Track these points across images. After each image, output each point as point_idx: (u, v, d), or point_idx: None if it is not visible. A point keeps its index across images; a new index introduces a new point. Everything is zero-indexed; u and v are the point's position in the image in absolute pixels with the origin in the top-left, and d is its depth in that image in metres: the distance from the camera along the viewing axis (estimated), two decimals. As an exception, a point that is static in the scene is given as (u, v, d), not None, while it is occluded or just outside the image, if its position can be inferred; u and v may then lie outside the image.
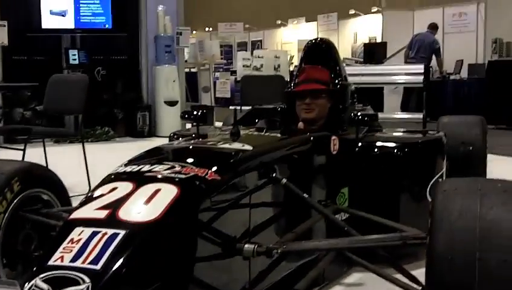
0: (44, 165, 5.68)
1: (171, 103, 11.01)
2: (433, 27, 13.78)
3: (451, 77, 14.31)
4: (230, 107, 17.05)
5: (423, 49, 13.38)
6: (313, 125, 3.65)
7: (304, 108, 3.67)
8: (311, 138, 3.23)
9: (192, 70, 16.08)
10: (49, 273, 1.83)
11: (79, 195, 5.04)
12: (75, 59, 10.17)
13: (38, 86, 8.38)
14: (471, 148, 4.52)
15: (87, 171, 5.91)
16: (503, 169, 6.76)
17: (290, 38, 21.76)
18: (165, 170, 2.32)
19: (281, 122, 3.75)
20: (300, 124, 3.69)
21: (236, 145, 2.71)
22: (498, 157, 7.92)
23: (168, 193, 2.15)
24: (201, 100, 13.03)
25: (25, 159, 5.24)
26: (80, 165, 5.98)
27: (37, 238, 3.01)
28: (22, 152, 5.55)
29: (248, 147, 2.68)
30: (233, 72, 19.13)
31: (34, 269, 1.88)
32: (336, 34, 20.03)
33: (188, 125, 8.44)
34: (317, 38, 4.48)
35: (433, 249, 2.07)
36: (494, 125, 11.34)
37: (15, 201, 2.86)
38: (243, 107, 7.64)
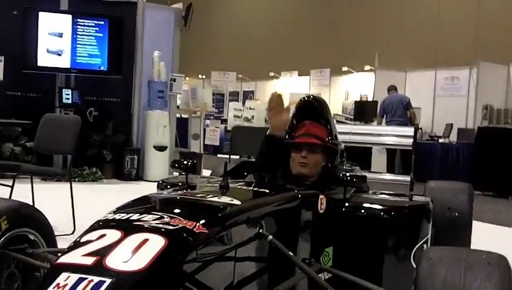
0: (31, 203, 5.70)
1: (160, 148, 11.03)
2: (393, 88, 14.29)
3: (440, 140, 14.43)
4: (219, 156, 17.19)
5: (399, 109, 13.57)
6: (305, 180, 3.68)
7: (300, 162, 3.69)
8: (299, 196, 3.25)
9: (183, 116, 16.17)
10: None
11: (63, 235, 5.05)
12: (68, 98, 10.19)
13: (29, 123, 8.40)
14: (456, 214, 4.54)
15: (73, 212, 5.91)
16: (487, 237, 6.80)
17: (282, 91, 21.89)
18: (154, 220, 2.33)
19: (269, 178, 3.76)
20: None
21: (225, 199, 2.72)
22: (483, 225, 7.97)
23: (156, 243, 2.15)
24: (190, 147, 13.06)
25: (12, 195, 5.25)
26: (65, 205, 5.97)
27: (21, 277, 3.00)
28: (9, 188, 5.53)
29: (236, 202, 2.69)
30: (224, 121, 19.24)
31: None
32: (327, 90, 20.25)
33: (176, 172, 8.46)
34: (311, 95, 4.51)
35: (416, 317, 2.09)
36: (481, 191, 11.41)
37: (1, 239, 2.86)
38: (231, 157, 7.67)
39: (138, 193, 2.85)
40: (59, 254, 2.22)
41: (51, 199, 6.88)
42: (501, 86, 15.34)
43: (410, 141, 5.88)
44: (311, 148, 3.71)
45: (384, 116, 13.96)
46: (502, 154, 12.13)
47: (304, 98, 4.44)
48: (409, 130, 6.16)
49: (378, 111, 14.22)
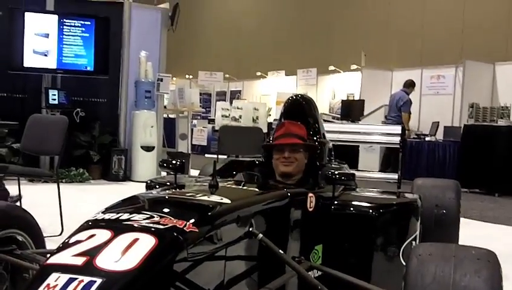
0: (18, 204, 5.68)
1: (148, 148, 11.01)
2: (407, 85, 13.97)
3: (427, 139, 14.48)
4: (206, 155, 17.18)
5: (393, 108, 13.62)
6: (290, 179, 3.69)
7: (283, 161, 3.70)
8: (288, 194, 3.26)
9: (171, 116, 16.13)
10: (24, 318, 1.82)
11: (51, 236, 5.03)
12: (54, 99, 10.14)
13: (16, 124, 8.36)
14: (444, 211, 4.56)
15: (60, 213, 5.88)
16: (475, 233, 6.85)
17: (269, 91, 21.95)
18: (144, 219, 2.32)
19: (258, 176, 3.77)
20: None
21: (215, 198, 2.72)
22: (470, 221, 8.01)
23: (146, 243, 2.15)
24: (178, 147, 13.03)
25: (-1, 197, 5.22)
26: (53, 206, 5.95)
27: (10, 279, 2.98)
28: (-5, 189, 5.52)
29: (226, 201, 2.69)
30: (211, 121, 19.23)
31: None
32: (314, 89, 20.27)
33: (163, 173, 8.45)
34: (298, 94, 4.52)
35: (406, 313, 2.10)
36: (468, 189, 11.48)
37: (-10, 241, 2.85)
38: (219, 156, 7.66)
39: (126, 193, 2.84)
40: (48, 255, 2.21)
41: (38, 200, 6.87)
42: (486, 84, 15.41)
43: (398, 139, 5.89)
44: (292, 148, 3.72)
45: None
46: (488, 152, 12.21)
47: (291, 97, 4.46)
48: (396, 129, 6.15)
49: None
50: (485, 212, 9.40)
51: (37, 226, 3.21)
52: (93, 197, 8.73)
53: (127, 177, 10.93)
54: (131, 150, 11.04)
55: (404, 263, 3.51)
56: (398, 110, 13.48)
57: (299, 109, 4.28)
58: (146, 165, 10.87)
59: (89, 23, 10.45)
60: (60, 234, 5.52)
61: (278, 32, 24.44)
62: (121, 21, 11.18)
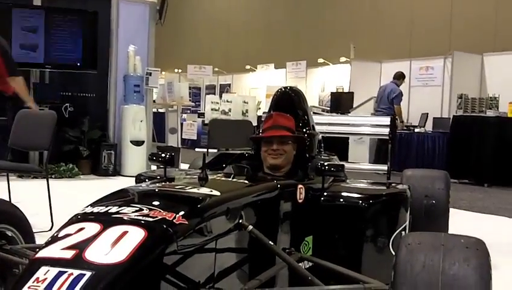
0: (8, 199, 5.65)
1: (137, 143, 10.98)
2: (398, 77, 13.95)
3: (416, 130, 14.52)
4: (196, 149, 17.16)
5: (384, 100, 13.60)
6: (278, 171, 3.69)
7: (271, 154, 3.70)
8: (278, 186, 3.26)
9: (160, 110, 16.09)
10: (14, 312, 1.82)
11: (41, 231, 5.01)
12: (43, 94, 10.11)
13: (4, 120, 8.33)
14: (434, 202, 4.58)
15: (50, 208, 5.86)
16: (464, 224, 6.88)
17: (259, 84, 21.93)
18: (133, 212, 2.32)
19: (248, 168, 3.77)
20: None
21: (205, 190, 2.72)
22: (459, 212, 8.04)
23: (135, 235, 2.15)
24: (168, 141, 13.02)
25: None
26: (43, 201, 5.94)
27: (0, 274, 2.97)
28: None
29: (216, 193, 2.69)
30: (201, 115, 19.21)
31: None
32: (304, 82, 20.26)
33: (153, 167, 8.44)
34: (287, 87, 4.52)
35: (396, 301, 2.10)
36: (457, 179, 11.52)
37: (-21, 237, 2.84)
38: (209, 150, 7.66)
39: (116, 188, 2.83)
40: (38, 249, 2.21)
41: (27, 196, 6.85)
42: (475, 75, 15.46)
43: (387, 130, 5.89)
44: (282, 140, 3.71)
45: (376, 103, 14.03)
46: (477, 143, 12.26)
47: (280, 89, 4.45)
48: (386, 120, 6.15)
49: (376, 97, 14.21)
50: (474, 203, 9.44)
51: (26, 221, 3.20)
52: (83, 192, 8.70)
53: (116, 172, 10.91)
54: (121, 145, 11.01)
55: (393, 253, 3.53)
56: (390, 103, 13.47)
57: (288, 101, 4.28)
58: (136, 160, 10.84)
59: (76, 17, 10.42)
60: (50, 230, 5.50)
61: (267, 26, 24.45)
62: (109, 15, 11.12)
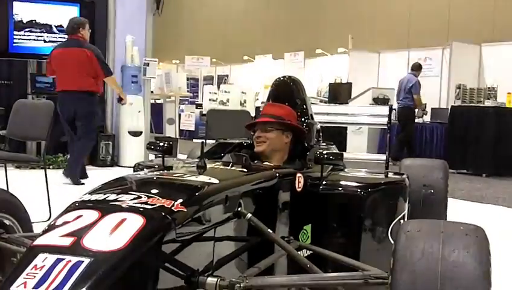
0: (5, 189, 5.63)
1: (135, 133, 10.96)
2: (415, 67, 13.90)
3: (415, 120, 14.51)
4: (194, 140, 17.15)
5: (402, 91, 13.55)
6: (266, 159, 3.68)
7: (255, 141, 3.71)
8: (277, 174, 3.25)
9: (158, 101, 16.08)
10: (11, 299, 1.81)
11: (39, 222, 5.00)
12: (40, 85, 10.10)
13: (2, 109, 8.35)
14: (432, 191, 4.57)
15: (48, 198, 5.85)
16: (462, 213, 6.87)
17: (257, 75, 21.90)
18: (131, 199, 2.31)
19: (247, 157, 3.77)
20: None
21: (203, 178, 2.71)
22: (457, 201, 8.05)
23: (134, 222, 2.14)
24: (166, 132, 13.01)
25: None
26: (40, 192, 5.92)
27: (-3, 263, 2.97)
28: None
29: (214, 181, 2.68)
30: (199, 106, 19.19)
31: (-5, 295, 1.85)
32: (302, 73, 20.25)
33: (151, 157, 8.41)
34: (286, 76, 4.49)
35: (396, 288, 2.09)
36: (455, 170, 11.53)
37: (-24, 225, 2.82)
38: (207, 141, 7.64)
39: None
40: (35, 238, 2.20)
41: (25, 186, 6.83)
42: (473, 65, 15.47)
43: (385, 120, 5.88)
44: (263, 127, 3.70)
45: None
46: (475, 133, 12.26)
47: (279, 78, 4.43)
48: (384, 110, 6.14)
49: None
50: (472, 193, 9.45)
51: (24, 210, 3.20)
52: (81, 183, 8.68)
53: (114, 162, 10.90)
54: (119, 136, 11.00)
55: (392, 242, 3.53)
56: (407, 93, 13.42)
57: (286, 90, 4.26)
58: (134, 151, 10.82)
59: (74, 7, 10.38)
60: (48, 220, 5.49)
61: (265, 16, 24.40)
62: (106, 5, 11.10)
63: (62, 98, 8.62)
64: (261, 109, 4.32)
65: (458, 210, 6.73)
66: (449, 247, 2.11)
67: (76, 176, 8.47)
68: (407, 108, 13.34)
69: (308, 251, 3.34)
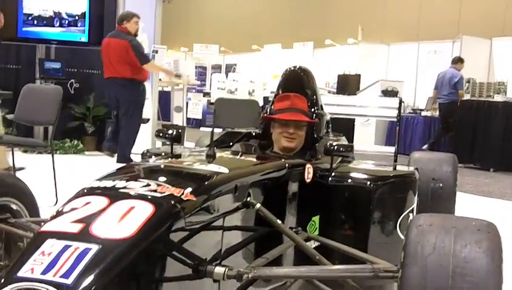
0: (12, 173, 5.64)
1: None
2: (456, 61, 13.73)
3: (423, 113, 14.47)
4: (201, 128, 17.12)
5: (445, 86, 13.39)
6: (290, 152, 3.67)
7: (286, 137, 3.69)
8: (286, 165, 3.23)
9: (166, 89, 16.03)
10: (18, 284, 1.79)
11: (45, 206, 5.00)
12: (48, 70, 10.10)
13: (10, 93, 8.35)
14: (441, 185, 4.54)
15: (55, 183, 5.85)
16: (470, 207, 6.86)
17: (265, 64, 21.82)
18: (141, 187, 2.29)
19: (256, 147, 3.75)
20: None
21: (213, 167, 2.69)
22: (466, 195, 8.02)
23: (143, 210, 2.12)
24: (173, 119, 12.98)
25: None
26: (47, 176, 5.92)
27: (3, 247, 2.96)
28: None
29: (224, 170, 2.66)
30: (206, 94, 19.15)
31: (2, 280, 1.83)
32: (311, 63, 20.16)
33: (158, 144, 8.40)
34: (296, 66, 4.48)
35: (406, 283, 2.07)
36: (463, 164, 11.49)
37: (-17, 210, 2.81)
38: (215, 129, 7.62)
39: (120, 165, 2.80)
40: (43, 223, 2.18)
41: (32, 171, 6.84)
42: (483, 59, 15.40)
43: (395, 112, 5.85)
44: (298, 125, 3.70)
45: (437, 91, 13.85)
46: (484, 127, 12.20)
47: (289, 68, 4.42)
48: (394, 102, 6.11)
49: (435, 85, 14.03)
50: (480, 187, 9.43)
51: (31, 194, 3.18)
52: (88, 168, 8.69)
53: (122, 149, 10.87)
54: (126, 122, 10.95)
55: (401, 235, 3.50)
56: (452, 88, 13.29)
57: (297, 80, 4.25)
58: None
59: (83, -7, 10.37)
60: (55, 205, 5.49)
61: (274, 6, 24.32)
62: (116, -8, 11.07)
63: (107, 85, 9.46)
64: (269, 99, 4.28)
65: (466, 204, 6.70)
66: (461, 242, 2.09)
67: (126, 157, 9.07)
68: (452, 103, 13.20)
69: (315, 242, 3.32)
